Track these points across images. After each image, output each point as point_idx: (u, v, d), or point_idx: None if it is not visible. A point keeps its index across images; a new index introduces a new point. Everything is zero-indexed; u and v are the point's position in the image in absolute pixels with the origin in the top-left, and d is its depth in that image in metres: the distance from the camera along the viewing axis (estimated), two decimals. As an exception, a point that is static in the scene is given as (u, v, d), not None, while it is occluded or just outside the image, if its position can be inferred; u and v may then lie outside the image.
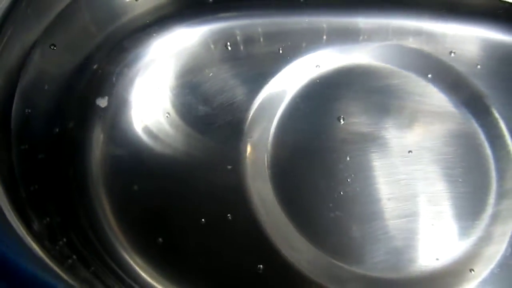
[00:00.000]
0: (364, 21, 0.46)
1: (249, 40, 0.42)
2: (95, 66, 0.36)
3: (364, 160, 0.39)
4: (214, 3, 0.40)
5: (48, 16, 0.32)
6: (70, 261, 0.27)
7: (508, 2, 0.44)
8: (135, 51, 0.38)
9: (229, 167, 0.38)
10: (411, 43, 0.45)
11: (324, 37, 0.46)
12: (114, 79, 0.38)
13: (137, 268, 0.34)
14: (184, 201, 0.37)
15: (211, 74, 0.40)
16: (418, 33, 0.46)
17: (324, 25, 0.47)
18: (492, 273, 0.36)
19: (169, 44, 0.40)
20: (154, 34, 0.39)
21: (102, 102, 0.37)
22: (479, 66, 0.43)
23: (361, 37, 0.46)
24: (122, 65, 0.38)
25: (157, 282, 0.34)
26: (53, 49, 0.33)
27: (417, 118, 0.41)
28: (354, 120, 0.41)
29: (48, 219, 0.29)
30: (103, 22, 0.36)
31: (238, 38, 0.42)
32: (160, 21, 0.39)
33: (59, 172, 0.33)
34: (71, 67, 0.35)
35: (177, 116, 0.39)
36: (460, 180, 0.39)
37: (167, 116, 0.39)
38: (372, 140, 0.40)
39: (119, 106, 0.38)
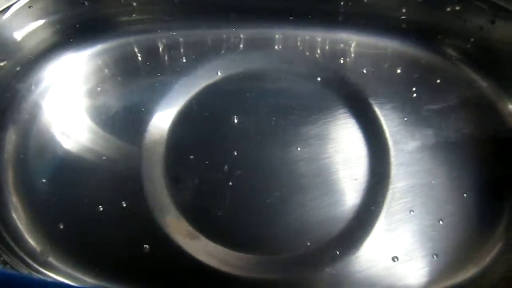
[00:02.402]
0: (279, 32, 0.52)
1: (150, 52, 0.48)
2: (6, 82, 0.43)
3: (255, 155, 0.44)
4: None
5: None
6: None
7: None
8: (39, 73, 0.45)
9: (129, 161, 0.43)
10: (312, 50, 0.50)
11: (241, 46, 0.51)
12: (32, 87, 0.44)
13: (38, 249, 0.39)
14: (86, 192, 0.41)
15: (116, 83, 0.46)
16: (323, 44, 0.51)
17: (242, 35, 0.52)
18: (354, 256, 0.40)
19: (70, 64, 0.47)
20: (51, 59, 0.45)
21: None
22: (365, 70, 0.48)
23: (276, 47, 0.52)
24: (29, 83, 0.44)
25: (57, 260, 0.39)
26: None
27: (304, 117, 0.46)
28: (247, 119, 0.46)
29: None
30: (4, 52, 0.42)
31: (144, 51, 0.48)
32: (54, 48, 0.46)
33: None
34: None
35: (87, 118, 0.45)
36: (338, 171, 0.43)
37: (76, 119, 0.44)
38: (262, 137, 0.45)
39: (32, 112, 0.44)
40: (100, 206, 0.41)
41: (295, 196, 0.42)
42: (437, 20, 0.47)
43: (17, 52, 0.43)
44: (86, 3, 0.45)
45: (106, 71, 0.47)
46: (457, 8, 0.45)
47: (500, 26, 0.44)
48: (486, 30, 0.45)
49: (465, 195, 0.42)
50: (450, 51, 0.48)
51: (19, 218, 0.40)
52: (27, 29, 0.43)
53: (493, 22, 0.44)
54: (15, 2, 0.40)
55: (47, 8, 0.43)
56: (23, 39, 0.43)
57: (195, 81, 0.47)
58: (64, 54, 0.46)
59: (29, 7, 0.42)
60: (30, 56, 0.44)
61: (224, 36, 0.51)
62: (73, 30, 0.46)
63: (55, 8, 0.44)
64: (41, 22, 0.44)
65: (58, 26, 0.45)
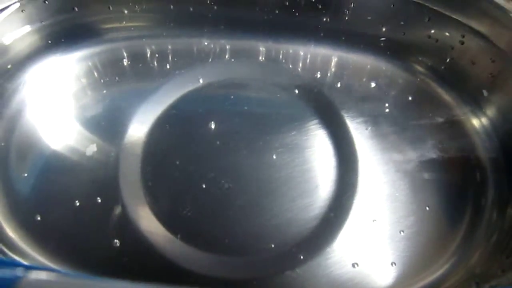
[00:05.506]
0: (263, 44, 0.54)
1: (137, 58, 0.51)
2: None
3: (227, 160, 0.46)
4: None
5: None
6: None
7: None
8: (28, 74, 0.48)
9: (107, 160, 0.45)
10: (293, 63, 0.52)
11: (226, 56, 0.54)
12: (20, 87, 0.47)
13: (14, 238, 0.41)
14: (65, 187, 0.43)
15: (101, 86, 0.49)
16: (304, 57, 0.53)
17: (228, 46, 0.54)
18: (316, 260, 0.41)
19: (58, 66, 0.49)
20: (40, 61, 0.48)
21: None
22: (341, 85, 0.50)
23: (260, 58, 0.54)
24: (18, 83, 0.47)
25: (30, 249, 0.41)
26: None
27: (278, 126, 0.48)
28: (224, 125, 0.48)
29: None
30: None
31: (131, 56, 0.51)
32: (43, 50, 0.49)
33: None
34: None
35: (70, 117, 0.47)
36: (307, 179, 0.45)
37: (60, 118, 0.47)
38: (236, 143, 0.47)
39: (18, 109, 0.46)
40: (77, 201, 0.43)
41: (263, 201, 0.44)
42: (411, 40, 0.49)
43: (8, 52, 0.46)
44: (76, 8, 0.48)
45: (93, 74, 0.50)
46: (428, 28, 0.47)
47: (469, 46, 0.45)
48: (456, 50, 0.47)
49: (427, 208, 0.43)
50: (423, 70, 0.50)
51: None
52: (19, 32, 0.46)
53: (462, 43, 0.46)
54: (8, 6, 0.43)
55: (39, 12, 0.46)
56: (14, 41, 0.46)
57: (177, 87, 0.49)
58: (53, 57, 0.49)
59: (22, 10, 0.45)
60: (21, 58, 0.47)
61: (212, 46, 0.54)
62: (63, 34, 0.49)
63: (46, 13, 0.46)
64: (32, 25, 0.46)
65: (48, 30, 0.48)
